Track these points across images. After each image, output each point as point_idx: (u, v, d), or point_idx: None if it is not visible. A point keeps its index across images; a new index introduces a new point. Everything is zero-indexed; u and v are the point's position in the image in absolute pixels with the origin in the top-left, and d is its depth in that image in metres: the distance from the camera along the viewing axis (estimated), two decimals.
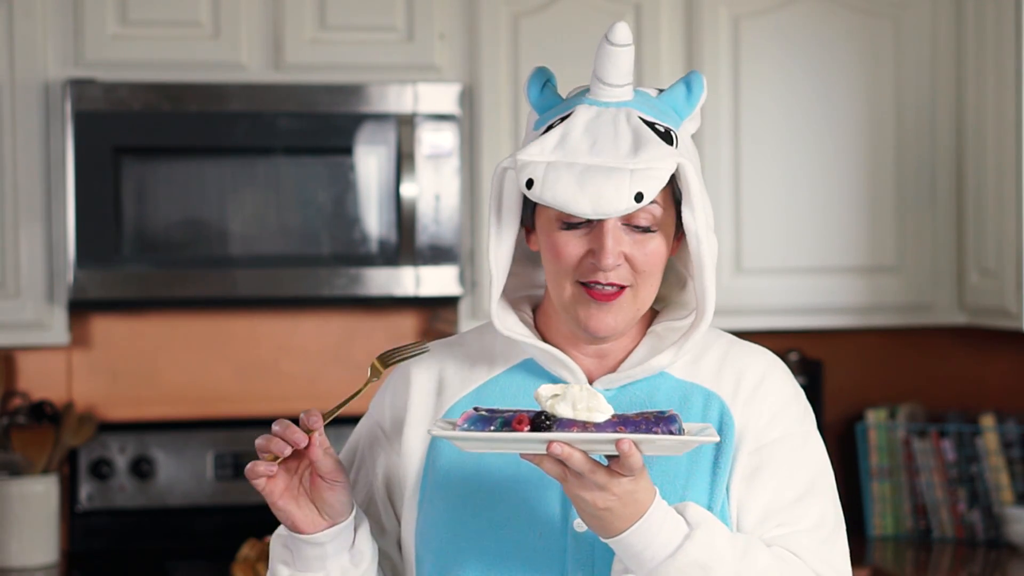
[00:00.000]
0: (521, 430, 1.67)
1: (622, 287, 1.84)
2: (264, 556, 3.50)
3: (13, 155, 3.64)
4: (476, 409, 1.72)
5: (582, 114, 1.85)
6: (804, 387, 3.98)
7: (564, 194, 1.79)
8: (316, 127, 3.70)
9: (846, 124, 3.95)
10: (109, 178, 3.62)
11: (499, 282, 1.90)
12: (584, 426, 1.67)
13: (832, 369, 4.27)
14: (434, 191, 3.73)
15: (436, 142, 3.74)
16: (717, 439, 1.70)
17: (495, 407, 1.85)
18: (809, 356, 4.21)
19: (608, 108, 1.85)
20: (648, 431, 1.67)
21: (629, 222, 1.84)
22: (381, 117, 3.72)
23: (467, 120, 3.80)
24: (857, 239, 3.96)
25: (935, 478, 4.03)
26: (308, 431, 1.81)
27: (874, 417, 4.11)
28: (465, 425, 1.70)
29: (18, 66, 3.64)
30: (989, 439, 3.98)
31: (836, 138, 3.94)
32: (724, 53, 3.89)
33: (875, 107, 3.96)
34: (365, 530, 1.89)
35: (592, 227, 1.83)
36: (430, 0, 3.79)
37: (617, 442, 1.65)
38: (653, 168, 1.80)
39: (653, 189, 1.79)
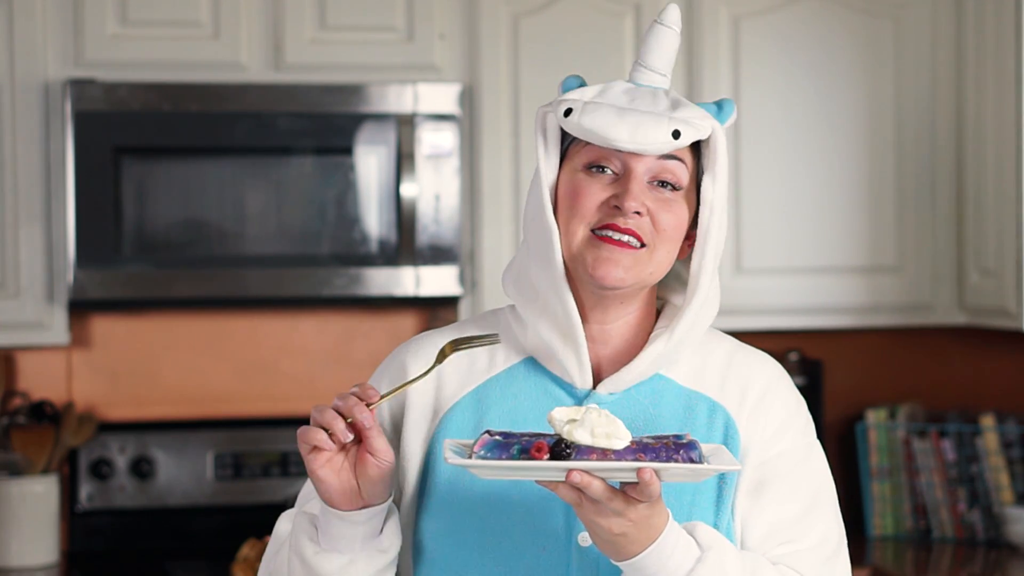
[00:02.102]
0: (540, 458, 1.64)
1: (639, 243, 1.81)
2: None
3: (13, 155, 3.64)
4: (489, 433, 1.69)
5: (621, 84, 1.89)
6: (804, 387, 4.01)
7: (603, 121, 1.81)
8: (316, 127, 3.70)
9: (846, 124, 3.95)
10: (109, 178, 3.62)
11: (556, 230, 1.85)
12: (603, 453, 1.64)
13: (832, 369, 4.27)
14: (434, 191, 3.73)
15: (436, 142, 3.74)
16: (738, 467, 1.69)
17: (508, 423, 1.84)
18: (809, 356, 4.20)
19: (646, 87, 1.88)
20: (668, 459, 1.65)
21: (655, 178, 1.83)
22: (381, 117, 3.72)
23: (467, 120, 3.80)
24: (857, 239, 3.96)
25: (935, 478, 4.03)
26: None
27: (874, 417, 4.11)
28: (481, 452, 1.66)
29: (18, 66, 3.64)
30: (989, 439, 3.98)
31: (836, 138, 3.94)
32: (724, 53, 3.89)
33: (875, 107, 3.96)
34: (393, 523, 1.83)
35: (618, 178, 1.83)
36: (430, 0, 3.79)
37: (638, 471, 1.63)
38: (692, 120, 1.83)
39: (690, 134, 1.81)
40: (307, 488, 1.91)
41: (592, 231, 1.82)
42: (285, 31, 3.75)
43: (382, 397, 1.76)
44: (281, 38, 3.75)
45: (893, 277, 3.98)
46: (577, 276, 1.85)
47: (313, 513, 1.84)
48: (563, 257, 1.85)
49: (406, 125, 3.73)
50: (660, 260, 1.84)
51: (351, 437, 1.74)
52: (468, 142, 3.80)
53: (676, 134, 1.80)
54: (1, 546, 3.72)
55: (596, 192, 1.83)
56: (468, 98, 3.80)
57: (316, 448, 1.74)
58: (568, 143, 1.88)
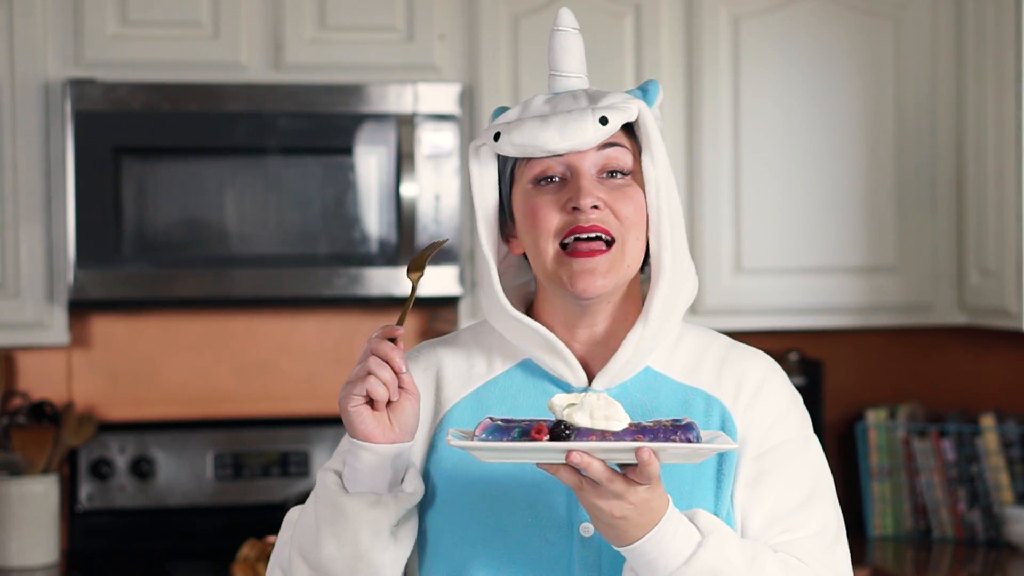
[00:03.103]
0: (540, 439, 1.66)
1: (608, 242, 1.83)
2: (264, 556, 3.50)
3: (13, 155, 3.64)
4: (491, 418, 1.70)
5: (540, 96, 1.92)
6: (804, 387, 4.01)
7: (530, 133, 1.84)
8: (316, 127, 3.70)
9: (846, 124, 3.95)
10: (109, 178, 3.62)
11: (492, 259, 1.90)
12: (602, 435, 1.66)
13: (832, 369, 4.27)
14: (434, 191, 3.73)
15: (436, 142, 3.74)
16: (735, 446, 1.70)
17: (508, 416, 1.85)
18: (809, 356, 4.21)
19: (564, 92, 1.91)
20: (666, 440, 1.67)
21: (602, 170, 1.85)
22: (381, 117, 3.72)
23: (467, 120, 3.80)
24: (857, 239, 3.96)
25: (935, 478, 4.03)
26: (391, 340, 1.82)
27: (874, 417, 4.11)
28: (483, 435, 1.68)
29: (18, 66, 3.64)
30: (989, 439, 3.98)
31: (836, 138, 3.94)
32: (724, 53, 3.89)
33: (875, 107, 3.96)
34: (414, 471, 1.87)
35: (567, 181, 1.85)
36: (430, 0, 3.79)
37: (636, 450, 1.65)
38: (616, 104, 1.85)
39: (617, 118, 1.84)
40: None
41: (561, 245, 1.84)
42: (285, 31, 3.75)
43: (399, 322, 1.83)
44: (281, 38, 3.75)
45: (893, 277, 3.98)
46: (556, 293, 1.87)
47: (335, 469, 1.87)
48: (540, 276, 1.88)
49: (406, 125, 3.73)
50: (632, 250, 1.86)
51: (386, 397, 1.81)
52: (468, 142, 3.80)
53: (603, 120, 1.83)
54: (1, 546, 3.72)
55: (550, 202, 1.85)
56: (468, 98, 3.80)
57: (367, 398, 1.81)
58: (512, 168, 1.90)
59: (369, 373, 1.79)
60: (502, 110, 1.94)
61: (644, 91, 1.91)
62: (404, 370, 1.80)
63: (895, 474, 4.08)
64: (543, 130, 1.83)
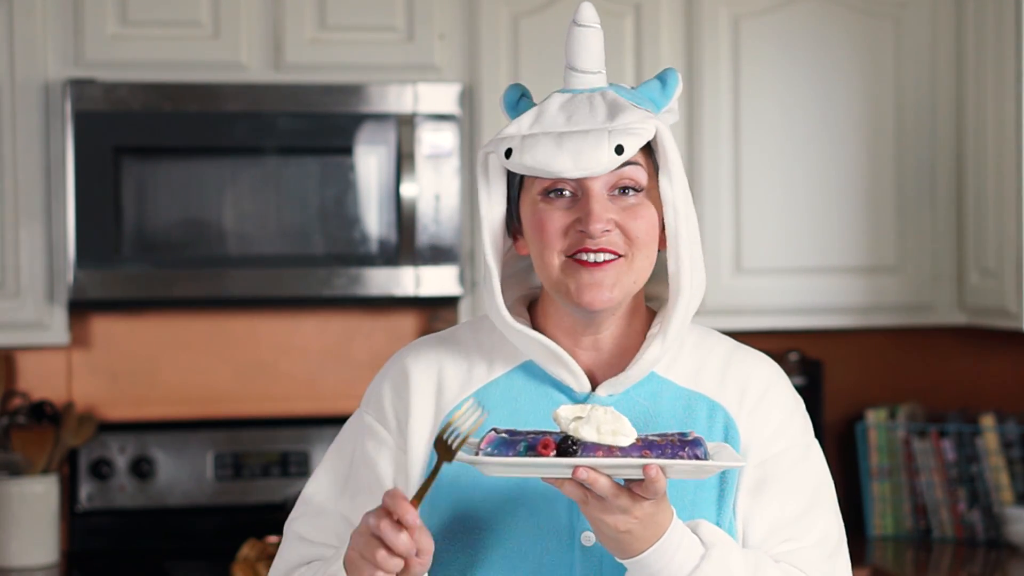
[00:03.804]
0: (547, 455, 1.65)
1: (616, 256, 1.81)
2: (264, 556, 3.50)
3: (13, 155, 3.64)
4: (496, 430, 1.69)
5: (557, 98, 1.87)
6: (804, 387, 4.01)
7: (543, 156, 1.80)
8: (316, 127, 3.70)
9: (846, 124, 3.95)
10: (109, 178, 3.62)
11: (496, 269, 1.87)
12: (609, 450, 1.65)
13: (832, 369, 4.27)
14: (434, 191, 3.73)
15: (436, 142, 3.74)
16: (743, 463, 1.70)
17: (510, 421, 1.83)
18: (809, 356, 4.20)
19: (583, 92, 1.86)
20: (674, 456, 1.66)
21: (614, 187, 1.82)
22: (381, 117, 3.72)
23: (467, 120, 3.80)
24: (857, 239, 3.96)
25: (935, 478, 4.03)
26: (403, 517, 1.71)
27: (874, 417, 4.11)
28: (488, 449, 1.67)
29: (18, 66, 3.64)
30: (989, 439, 3.98)
31: (836, 138, 3.94)
32: (724, 53, 3.89)
33: (875, 107, 3.96)
34: None
35: (577, 198, 1.82)
36: (430, 0, 3.79)
37: (644, 467, 1.64)
38: (632, 127, 1.80)
39: (633, 144, 1.79)
40: (306, 502, 1.94)
41: (567, 256, 1.82)
42: (285, 31, 3.75)
43: (423, 492, 1.71)
44: (281, 38, 3.75)
45: (893, 277, 3.98)
46: (561, 302, 1.86)
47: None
48: (545, 286, 1.85)
49: (406, 125, 3.73)
50: (640, 267, 1.84)
51: (401, 565, 1.70)
52: (468, 142, 3.80)
53: (619, 149, 1.79)
54: (1, 546, 3.72)
55: (558, 218, 1.82)
56: (468, 98, 3.80)
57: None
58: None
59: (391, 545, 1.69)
60: (515, 89, 1.90)
61: (663, 82, 1.87)
62: (416, 523, 1.69)
63: (895, 474, 4.08)
64: (557, 156, 1.79)
